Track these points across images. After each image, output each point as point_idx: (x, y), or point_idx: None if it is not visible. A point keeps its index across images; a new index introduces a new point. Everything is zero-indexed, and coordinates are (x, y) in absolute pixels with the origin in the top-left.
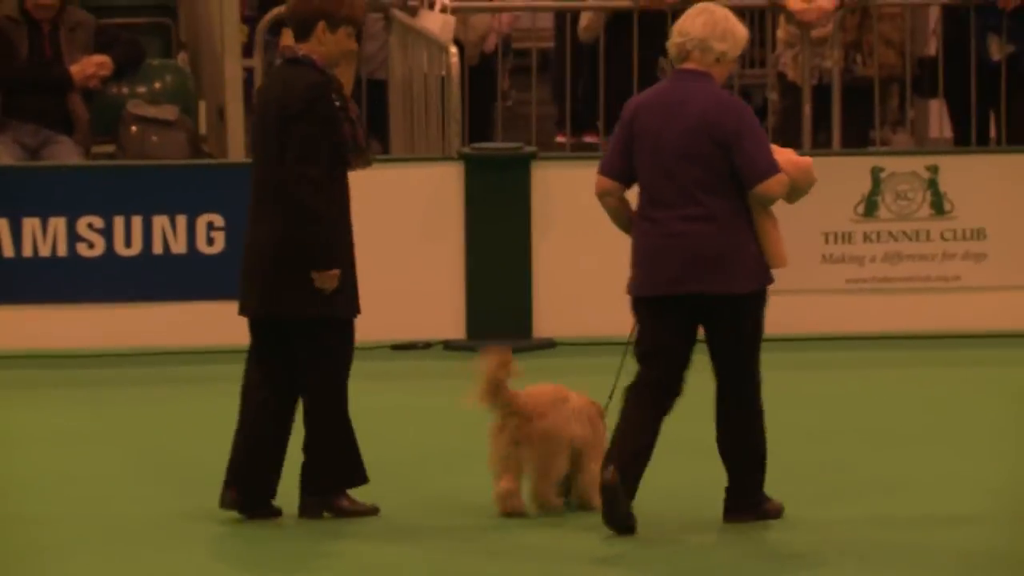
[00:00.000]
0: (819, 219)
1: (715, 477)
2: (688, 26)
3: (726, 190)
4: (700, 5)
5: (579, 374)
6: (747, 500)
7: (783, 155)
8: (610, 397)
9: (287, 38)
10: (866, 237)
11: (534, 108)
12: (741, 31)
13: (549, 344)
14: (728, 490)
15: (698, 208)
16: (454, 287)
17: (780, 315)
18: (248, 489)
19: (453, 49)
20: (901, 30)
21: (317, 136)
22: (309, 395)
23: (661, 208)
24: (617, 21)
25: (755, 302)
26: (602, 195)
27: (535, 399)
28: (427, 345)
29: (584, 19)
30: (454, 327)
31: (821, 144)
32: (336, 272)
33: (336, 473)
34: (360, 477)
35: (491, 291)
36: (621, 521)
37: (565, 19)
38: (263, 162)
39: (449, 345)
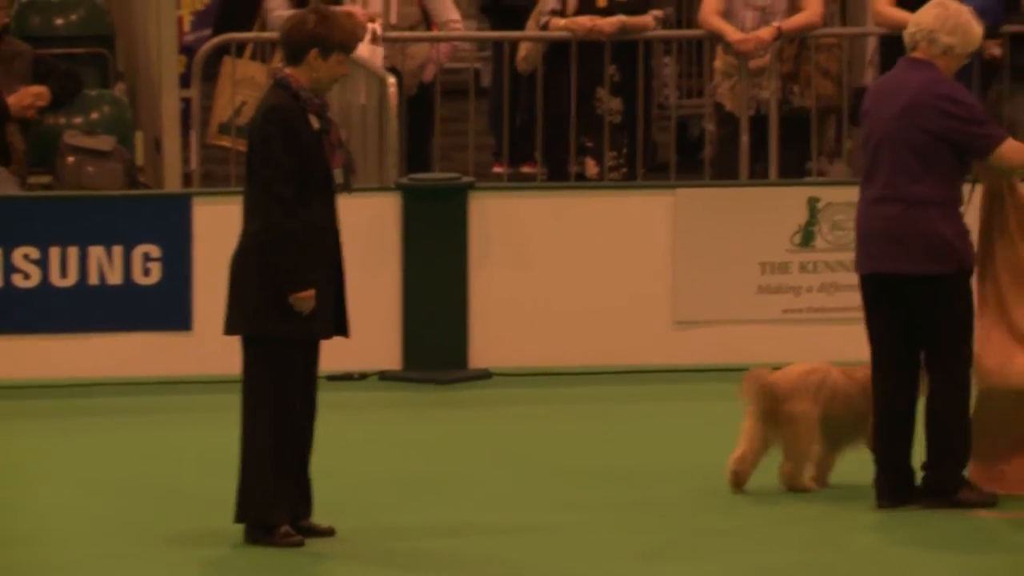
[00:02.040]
0: (756, 249)
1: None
2: (921, 16)
3: (930, 175)
4: None
5: (515, 405)
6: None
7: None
8: None
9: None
10: (803, 267)
11: (471, 138)
12: (975, 29)
13: (485, 375)
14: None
15: (891, 189)
16: (390, 317)
17: (716, 345)
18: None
19: (391, 79)
20: (838, 61)
21: (281, 157)
22: (241, 417)
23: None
24: (555, 52)
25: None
26: None
27: (789, 380)
28: (363, 376)
29: (522, 50)
30: (390, 358)
31: (758, 174)
32: (311, 293)
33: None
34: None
35: (428, 321)
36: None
37: (502, 49)
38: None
39: (385, 376)
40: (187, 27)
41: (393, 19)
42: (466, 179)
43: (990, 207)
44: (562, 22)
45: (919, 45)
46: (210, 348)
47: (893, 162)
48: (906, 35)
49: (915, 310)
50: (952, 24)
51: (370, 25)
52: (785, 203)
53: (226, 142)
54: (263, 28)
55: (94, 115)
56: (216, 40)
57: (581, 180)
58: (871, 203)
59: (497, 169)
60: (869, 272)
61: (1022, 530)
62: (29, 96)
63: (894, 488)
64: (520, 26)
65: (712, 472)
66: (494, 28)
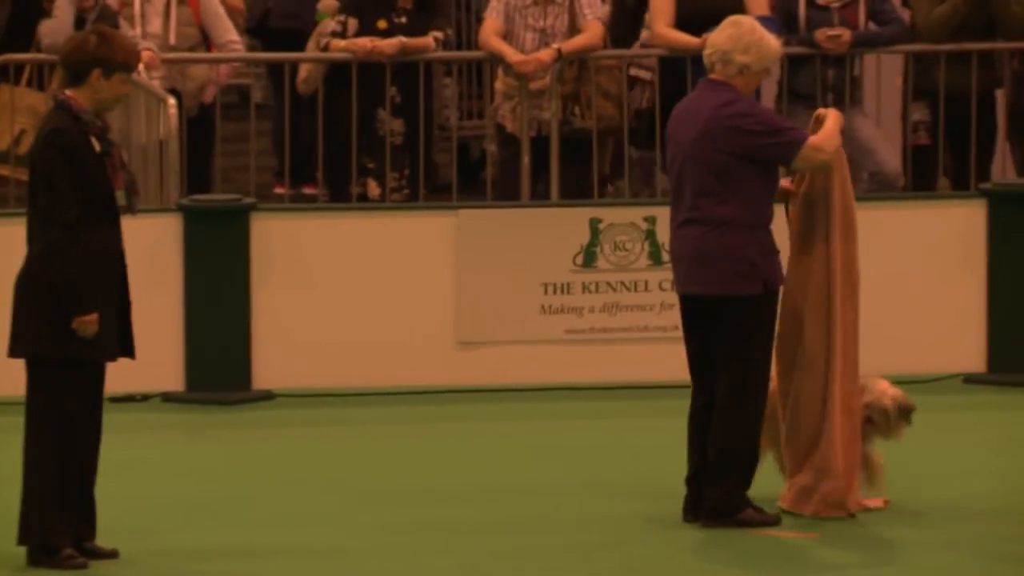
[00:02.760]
0: (538, 270)
1: None
2: (716, 38)
3: (734, 196)
4: (731, 18)
5: (299, 426)
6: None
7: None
8: None
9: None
10: (585, 288)
11: (252, 159)
12: (770, 44)
13: (268, 396)
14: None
15: (696, 212)
16: (173, 339)
17: (500, 366)
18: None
19: (171, 100)
20: (619, 82)
21: (63, 180)
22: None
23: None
24: (336, 73)
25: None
26: None
27: None
28: (145, 397)
29: (303, 71)
30: (173, 379)
31: (540, 195)
32: (94, 317)
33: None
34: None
35: (210, 343)
36: None
37: (283, 70)
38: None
39: (168, 397)
40: None
41: (172, 40)
42: (247, 200)
43: (807, 216)
44: (342, 43)
45: (716, 66)
46: None
47: (696, 185)
48: (704, 57)
49: (719, 330)
50: (746, 43)
51: (146, 55)
52: (567, 224)
53: (4, 171)
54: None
55: None
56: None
57: (363, 201)
58: (678, 226)
59: (279, 190)
60: (681, 293)
61: (826, 548)
62: None
63: (698, 502)
64: (294, 47)
65: (501, 493)
66: (265, 49)
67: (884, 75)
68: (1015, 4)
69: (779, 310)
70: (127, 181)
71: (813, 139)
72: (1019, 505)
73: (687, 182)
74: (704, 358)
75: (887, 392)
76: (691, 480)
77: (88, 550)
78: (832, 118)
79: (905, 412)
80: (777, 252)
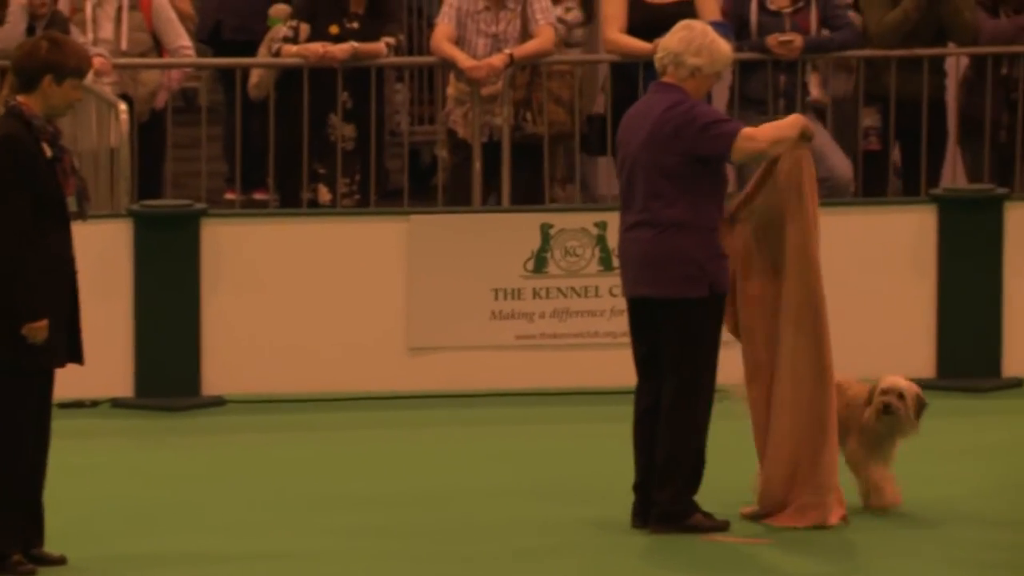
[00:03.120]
0: (488, 275)
1: None
2: (667, 41)
3: (683, 199)
4: (683, 22)
5: (249, 432)
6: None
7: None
8: None
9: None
10: (536, 293)
11: (203, 165)
12: (721, 48)
13: (219, 402)
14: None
15: (646, 215)
16: (122, 344)
17: (451, 371)
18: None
19: (123, 106)
20: (570, 88)
21: (13, 187)
22: None
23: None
24: (287, 78)
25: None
26: None
27: None
28: (94, 403)
29: (254, 76)
30: (122, 385)
31: (491, 201)
32: (44, 323)
33: None
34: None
35: (160, 348)
36: None
37: (234, 75)
38: None
39: (117, 403)
40: None
41: (124, 45)
42: (198, 205)
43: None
44: (294, 48)
45: (667, 69)
46: None
47: (646, 188)
48: (656, 60)
49: (667, 333)
50: (697, 45)
51: (97, 61)
52: (518, 229)
53: None
54: None
55: None
56: None
57: (314, 207)
58: (628, 228)
59: (229, 196)
60: (629, 296)
61: (777, 554)
62: None
63: (647, 508)
64: (248, 53)
65: (452, 498)
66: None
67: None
68: (966, 10)
69: (741, 321)
70: (78, 187)
71: (747, 129)
72: (969, 510)
73: (637, 185)
74: (652, 361)
75: (901, 381)
76: (639, 487)
77: (36, 556)
78: (789, 119)
79: (922, 405)
80: (725, 256)
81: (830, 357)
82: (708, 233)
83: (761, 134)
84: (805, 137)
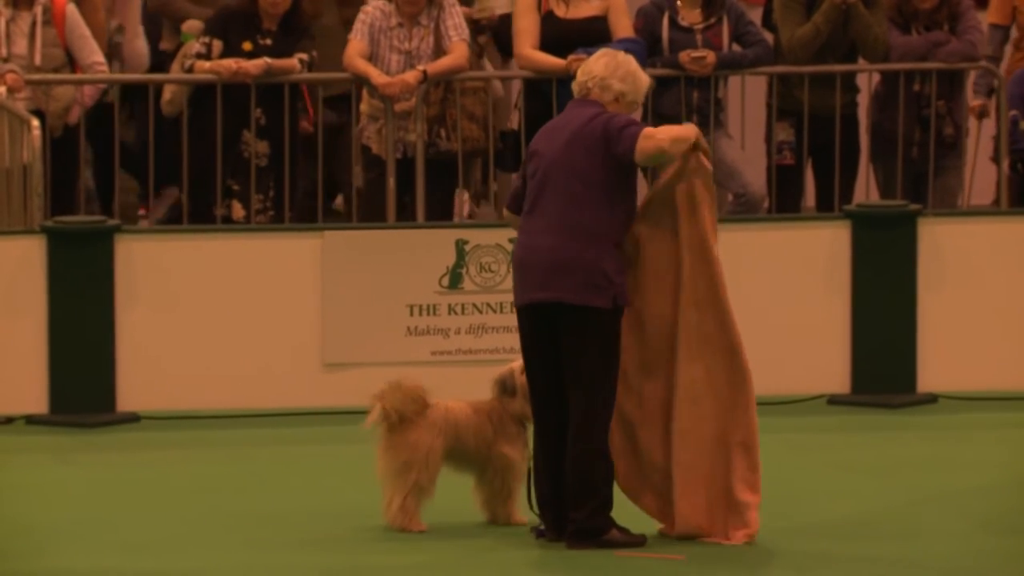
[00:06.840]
0: (404, 292)
1: None
2: (591, 66)
3: (596, 207)
4: (603, 49)
5: (164, 448)
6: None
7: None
8: None
9: None
10: (451, 309)
11: (116, 181)
12: (643, 77)
13: (133, 418)
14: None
15: (557, 220)
16: (36, 361)
17: (365, 387)
18: None
19: (35, 122)
20: (484, 104)
21: None
22: None
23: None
24: (201, 94)
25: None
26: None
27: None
28: (8, 420)
29: (167, 92)
30: (36, 402)
31: (405, 217)
32: None
33: None
34: None
35: (75, 365)
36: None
37: (148, 91)
38: None
39: (31, 420)
40: None
41: (37, 61)
42: (112, 222)
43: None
44: (207, 64)
45: (591, 92)
46: None
47: (561, 193)
48: (576, 85)
49: (567, 343)
50: (623, 72)
51: (10, 77)
52: (433, 245)
53: None
54: None
55: None
56: None
57: (227, 223)
58: (535, 234)
59: (143, 212)
60: (526, 302)
61: (692, 569)
62: None
63: (556, 521)
64: (161, 69)
65: (371, 512)
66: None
67: (749, 97)
68: (876, 26)
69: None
70: None
71: (647, 128)
72: (882, 526)
73: (548, 191)
74: (549, 374)
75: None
76: (545, 506)
77: None
78: (684, 125)
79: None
80: (627, 271)
81: (746, 373)
82: (614, 247)
83: (660, 132)
84: (698, 147)
